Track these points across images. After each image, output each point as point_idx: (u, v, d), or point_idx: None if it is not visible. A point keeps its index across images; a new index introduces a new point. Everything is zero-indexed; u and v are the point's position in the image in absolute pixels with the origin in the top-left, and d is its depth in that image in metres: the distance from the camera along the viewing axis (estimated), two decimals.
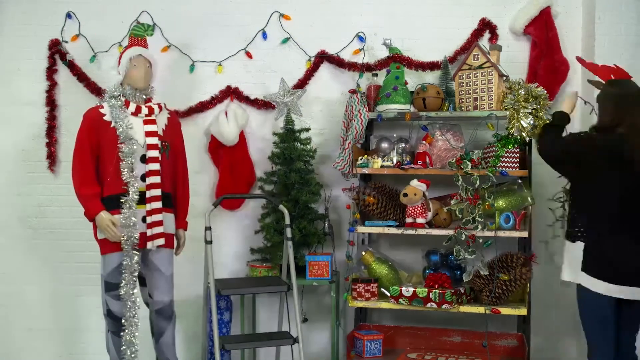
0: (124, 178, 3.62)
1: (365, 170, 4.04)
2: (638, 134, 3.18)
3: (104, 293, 3.68)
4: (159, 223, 3.70)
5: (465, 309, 3.84)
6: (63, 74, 4.60)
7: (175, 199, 3.88)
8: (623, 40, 4.12)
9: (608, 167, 3.21)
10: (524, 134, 3.72)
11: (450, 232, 3.85)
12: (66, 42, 4.58)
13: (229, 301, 4.28)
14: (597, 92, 3.48)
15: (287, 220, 3.80)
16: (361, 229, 4.02)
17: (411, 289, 3.85)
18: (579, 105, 3.79)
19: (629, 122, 3.21)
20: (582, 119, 4.15)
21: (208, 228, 3.69)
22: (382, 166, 4.02)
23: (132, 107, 3.72)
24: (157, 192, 3.69)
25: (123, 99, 3.72)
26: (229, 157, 4.47)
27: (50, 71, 4.58)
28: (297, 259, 4.21)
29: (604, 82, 3.46)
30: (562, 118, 3.53)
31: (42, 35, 4.58)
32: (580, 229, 3.30)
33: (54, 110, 4.60)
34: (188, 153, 4.04)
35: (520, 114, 3.69)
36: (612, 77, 3.44)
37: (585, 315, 3.30)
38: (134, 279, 3.64)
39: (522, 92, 3.74)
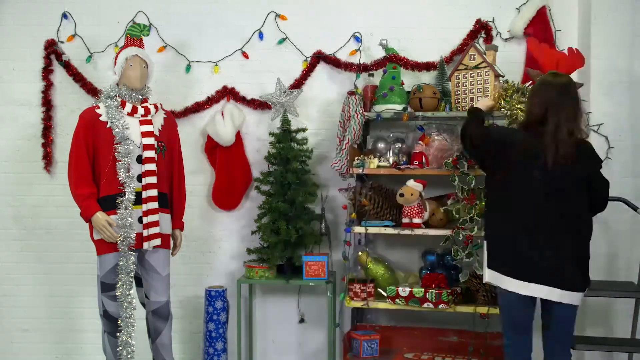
0: (120, 178, 3.61)
1: (362, 171, 4.04)
2: (556, 138, 3.08)
3: (100, 294, 3.67)
4: (156, 223, 3.69)
5: (462, 309, 3.84)
6: (59, 74, 4.59)
7: (171, 199, 3.87)
8: (618, 40, 4.13)
9: (522, 162, 3.15)
10: None
11: (446, 232, 3.85)
12: (62, 42, 4.58)
13: (226, 301, 4.28)
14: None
15: None
16: (357, 229, 4.02)
17: (408, 289, 3.85)
18: None
19: (552, 122, 3.10)
20: None
21: None
22: (378, 166, 4.02)
23: (129, 107, 3.71)
24: (154, 192, 3.68)
25: (119, 99, 3.71)
26: (226, 157, 4.46)
27: (46, 71, 4.57)
28: (294, 259, 4.22)
29: (541, 74, 3.42)
30: (480, 111, 3.59)
31: (38, 36, 4.57)
32: (489, 227, 3.30)
33: (50, 111, 4.59)
34: (184, 153, 4.04)
35: (519, 117, 3.71)
36: (557, 65, 3.41)
37: (501, 317, 3.31)
38: (130, 279, 3.64)
39: (515, 97, 3.75)
